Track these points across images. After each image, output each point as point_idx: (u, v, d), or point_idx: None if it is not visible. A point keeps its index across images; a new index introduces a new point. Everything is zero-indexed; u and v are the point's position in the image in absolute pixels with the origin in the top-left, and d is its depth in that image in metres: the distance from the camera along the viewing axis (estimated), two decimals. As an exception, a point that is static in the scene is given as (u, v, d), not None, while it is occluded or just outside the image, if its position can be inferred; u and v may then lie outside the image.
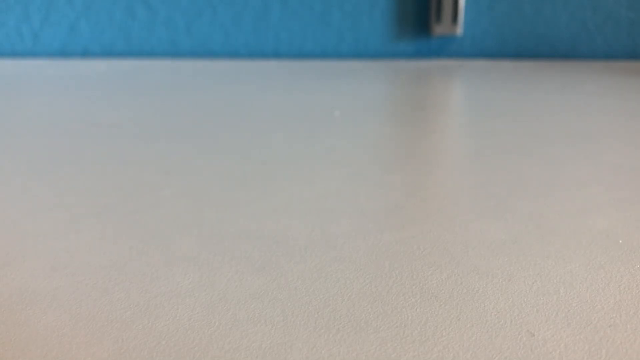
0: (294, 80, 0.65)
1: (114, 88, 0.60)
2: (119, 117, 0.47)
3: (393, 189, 0.31)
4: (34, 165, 0.35)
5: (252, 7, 0.80)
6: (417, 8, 0.83)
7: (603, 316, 0.19)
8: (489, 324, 0.19)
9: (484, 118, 0.48)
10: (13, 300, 0.20)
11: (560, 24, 0.82)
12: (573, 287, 0.21)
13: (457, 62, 0.78)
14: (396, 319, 0.19)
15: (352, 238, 0.25)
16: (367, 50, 0.84)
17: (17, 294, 0.21)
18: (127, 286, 0.21)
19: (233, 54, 0.81)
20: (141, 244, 0.24)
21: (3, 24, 0.80)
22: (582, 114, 0.49)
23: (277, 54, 0.82)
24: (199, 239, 0.25)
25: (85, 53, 0.81)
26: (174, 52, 0.81)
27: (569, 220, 0.27)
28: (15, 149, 0.39)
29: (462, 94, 0.62)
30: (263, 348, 0.18)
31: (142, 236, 0.25)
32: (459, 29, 0.81)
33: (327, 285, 0.21)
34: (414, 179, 0.33)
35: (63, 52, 0.81)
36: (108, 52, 0.81)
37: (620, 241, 0.25)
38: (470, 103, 0.57)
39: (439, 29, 0.81)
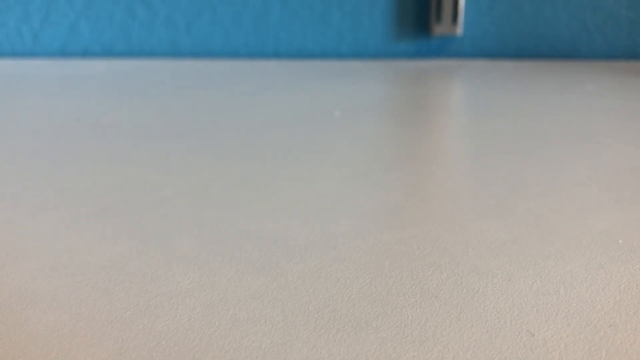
0: (294, 80, 0.65)
1: (114, 88, 0.60)
2: (119, 117, 0.47)
3: (393, 189, 0.31)
4: (34, 165, 0.35)
5: (252, 7, 0.80)
6: (417, 8, 0.83)
7: (603, 316, 0.19)
8: (489, 324, 0.19)
9: (484, 118, 0.48)
10: (13, 300, 0.20)
11: (560, 24, 0.82)
12: (573, 287, 0.21)
13: (457, 62, 0.78)
14: (396, 319, 0.19)
15: (352, 238, 0.25)
16: (367, 50, 0.84)
17: (17, 294, 0.21)
18: (127, 286, 0.21)
19: (233, 54, 0.81)
20: (141, 244, 0.24)
21: (3, 24, 0.80)
22: (582, 114, 0.49)
23: (277, 54, 0.82)
24: (199, 239, 0.25)
25: (85, 53, 0.81)
26: (174, 52, 0.81)
27: (569, 220, 0.27)
28: (15, 149, 0.39)
29: (462, 94, 0.62)
30: (263, 348, 0.18)
31: (142, 236, 0.25)
32: (459, 29, 0.81)
33: (327, 285, 0.21)
34: (414, 179, 0.33)
35: (63, 52, 0.81)
36: (108, 52, 0.81)
37: (620, 241, 0.25)
38: (470, 103, 0.57)
39: (439, 29, 0.81)
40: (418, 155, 0.39)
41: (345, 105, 0.52)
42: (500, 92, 0.59)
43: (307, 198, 0.30)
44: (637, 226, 0.26)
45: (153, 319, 0.19)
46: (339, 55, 0.83)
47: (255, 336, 0.18)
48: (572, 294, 0.21)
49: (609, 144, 0.40)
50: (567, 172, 0.34)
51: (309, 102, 0.53)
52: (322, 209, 0.28)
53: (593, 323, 0.19)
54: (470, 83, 0.66)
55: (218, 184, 0.32)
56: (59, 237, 0.25)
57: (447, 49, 0.84)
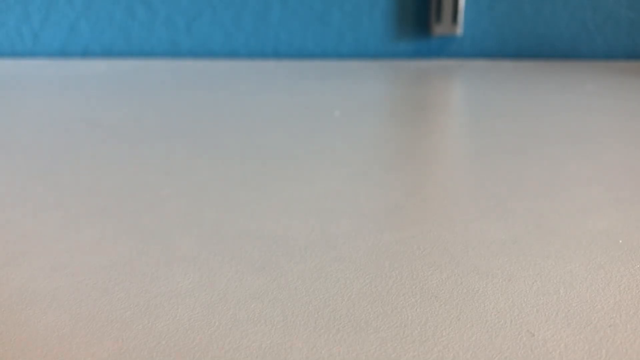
0: (294, 80, 0.65)
1: (114, 88, 0.60)
2: (119, 117, 0.47)
3: (393, 189, 0.31)
4: (34, 165, 0.35)
5: (252, 7, 0.80)
6: (417, 8, 0.83)
7: (603, 316, 0.19)
8: (489, 324, 0.19)
9: (484, 118, 0.48)
10: (13, 300, 0.20)
11: (560, 24, 0.82)
12: (573, 287, 0.21)
13: (457, 62, 0.78)
14: (396, 319, 0.19)
15: (352, 238, 0.25)
16: (367, 50, 0.84)
17: (17, 294, 0.21)
18: (127, 286, 0.21)
19: (233, 54, 0.81)
20: (141, 244, 0.24)
21: (3, 24, 0.80)
22: (582, 114, 0.49)
23: (277, 54, 0.82)
24: (199, 239, 0.25)
25: (85, 53, 0.81)
26: (174, 52, 0.81)
27: (569, 220, 0.27)
28: (15, 149, 0.39)
29: (462, 94, 0.62)
30: (263, 348, 0.18)
31: (142, 236, 0.25)
32: (459, 29, 0.81)
33: (327, 285, 0.21)
34: (414, 179, 0.33)
35: (63, 52, 0.81)
36: (108, 52, 0.81)
37: (620, 241, 0.25)
38: (470, 103, 0.57)
39: (439, 29, 0.81)
40: (418, 155, 0.39)
41: (345, 105, 0.52)
42: (500, 92, 0.59)
43: (307, 198, 0.30)
44: (637, 226, 0.26)
45: (153, 319, 0.19)
46: (339, 55, 0.83)
47: (255, 336, 0.18)
48: (572, 294, 0.21)
49: (609, 144, 0.40)
50: (567, 172, 0.34)
51: (309, 102, 0.53)
52: (322, 209, 0.28)
53: (593, 323, 0.19)
54: (470, 83, 0.66)
55: (218, 183, 0.32)
56: (59, 237, 0.25)
57: (447, 49, 0.84)
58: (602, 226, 0.26)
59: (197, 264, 0.23)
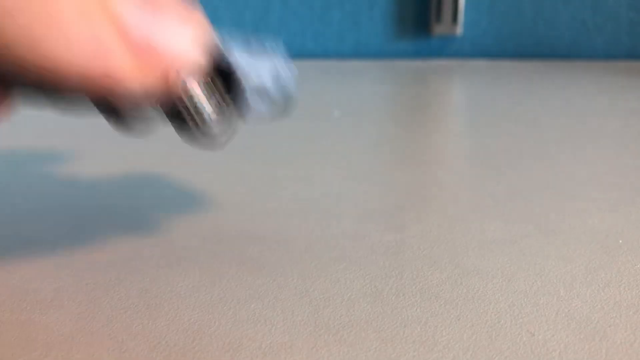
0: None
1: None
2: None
3: (393, 188, 0.31)
4: (34, 164, 0.35)
5: (252, 7, 0.80)
6: (417, 8, 0.83)
7: (603, 316, 0.19)
8: (489, 324, 0.19)
9: (484, 118, 0.48)
10: (14, 300, 0.20)
11: (560, 24, 0.82)
12: (573, 287, 0.21)
13: (457, 62, 0.78)
14: (396, 319, 0.19)
15: (352, 238, 0.25)
16: (367, 50, 0.84)
17: (17, 294, 0.21)
18: (128, 286, 0.21)
19: (233, 54, 0.81)
20: (141, 244, 0.24)
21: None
22: (582, 114, 0.49)
23: (277, 54, 0.82)
24: (199, 239, 0.25)
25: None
26: (174, 52, 0.81)
27: (569, 220, 0.27)
28: (16, 151, 0.39)
29: (462, 94, 0.62)
30: (263, 348, 0.18)
31: (142, 236, 0.25)
32: (459, 29, 0.81)
33: (327, 285, 0.21)
34: (414, 179, 0.33)
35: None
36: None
37: (620, 241, 0.25)
38: (470, 103, 0.57)
39: (439, 29, 0.81)
40: (418, 155, 0.39)
41: (345, 105, 0.52)
42: (500, 92, 0.59)
43: (307, 198, 0.30)
44: (637, 226, 0.26)
45: (153, 319, 0.19)
46: (339, 55, 0.83)
47: (255, 336, 0.18)
48: (572, 294, 0.21)
49: (609, 144, 0.40)
50: (567, 172, 0.34)
51: (309, 102, 0.53)
52: (322, 209, 0.28)
53: (593, 323, 0.19)
54: (470, 83, 0.66)
55: (218, 183, 0.32)
56: (60, 237, 0.25)
57: (447, 49, 0.84)
58: (602, 226, 0.26)
59: (197, 264, 0.23)
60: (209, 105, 0.18)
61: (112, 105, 0.18)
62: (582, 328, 0.18)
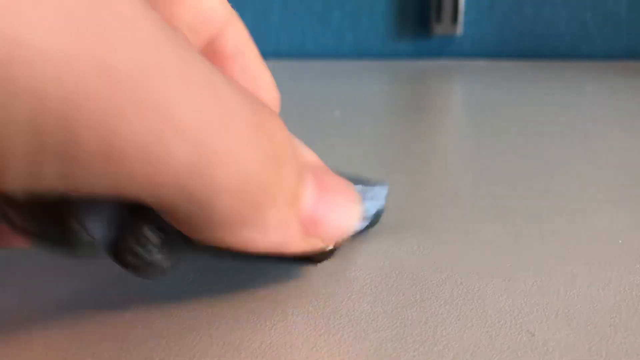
0: (294, 80, 0.65)
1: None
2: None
3: (393, 189, 0.31)
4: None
5: (252, 7, 0.80)
6: (417, 8, 0.83)
7: (603, 316, 0.19)
8: (489, 324, 0.19)
9: (484, 118, 0.48)
10: (14, 300, 0.20)
11: (560, 24, 0.82)
12: (573, 287, 0.21)
13: (457, 62, 0.78)
14: (396, 319, 0.19)
15: (352, 238, 0.25)
16: (367, 50, 0.84)
17: (18, 294, 0.21)
18: (128, 286, 0.21)
19: (233, 54, 0.81)
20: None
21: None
22: (582, 114, 0.49)
23: (277, 54, 0.82)
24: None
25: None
26: (174, 52, 0.81)
27: (569, 220, 0.27)
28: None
29: (462, 94, 0.62)
30: (263, 348, 0.18)
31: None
32: (459, 29, 0.81)
33: (327, 285, 0.21)
34: (414, 179, 0.33)
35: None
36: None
37: (620, 241, 0.25)
38: (470, 103, 0.57)
39: (439, 29, 0.81)
40: (418, 154, 0.39)
41: (345, 105, 0.52)
42: (500, 92, 0.59)
43: (307, 198, 0.30)
44: (637, 226, 0.26)
45: (153, 319, 0.19)
46: (339, 55, 0.83)
47: (255, 336, 0.18)
48: (572, 294, 0.21)
49: (609, 143, 0.40)
50: (567, 172, 0.34)
51: (309, 102, 0.53)
52: (322, 209, 0.28)
53: (593, 323, 0.19)
54: (470, 83, 0.66)
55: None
56: (59, 237, 0.25)
57: (447, 49, 0.84)
58: (602, 226, 0.26)
59: (198, 264, 0.23)
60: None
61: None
62: (582, 328, 0.18)
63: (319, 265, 0.22)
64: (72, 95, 0.10)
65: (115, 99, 0.11)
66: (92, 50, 0.10)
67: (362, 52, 0.84)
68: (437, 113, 0.52)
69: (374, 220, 0.25)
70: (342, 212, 0.19)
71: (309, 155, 0.19)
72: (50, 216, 0.15)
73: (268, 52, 0.82)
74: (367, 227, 0.24)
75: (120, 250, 0.16)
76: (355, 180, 0.24)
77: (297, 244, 0.17)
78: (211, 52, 0.22)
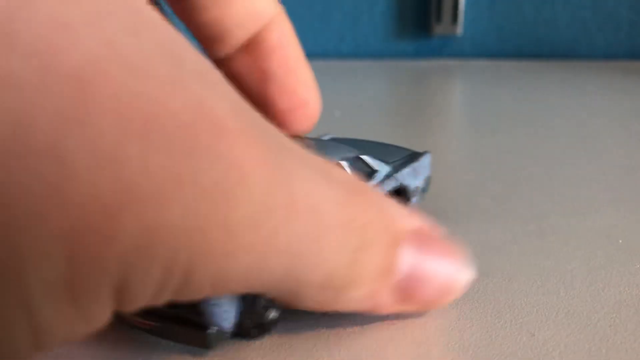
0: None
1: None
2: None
3: (393, 189, 0.31)
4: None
5: (252, 7, 0.80)
6: (417, 8, 0.83)
7: (603, 316, 0.19)
8: (489, 324, 0.19)
9: (484, 118, 0.48)
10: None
11: (560, 24, 0.82)
12: (573, 287, 0.21)
13: (457, 62, 0.78)
14: (396, 319, 0.19)
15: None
16: (367, 50, 0.84)
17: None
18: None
19: (233, 54, 0.81)
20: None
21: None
22: (582, 114, 0.49)
23: (277, 54, 0.82)
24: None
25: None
26: (174, 52, 0.81)
27: (569, 220, 0.27)
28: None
29: (462, 94, 0.62)
30: (263, 348, 0.18)
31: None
32: (459, 29, 0.81)
33: (327, 285, 0.21)
34: (414, 179, 0.33)
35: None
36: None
37: (620, 241, 0.25)
38: (470, 103, 0.57)
39: (439, 29, 0.81)
40: (418, 155, 0.39)
41: (345, 105, 0.52)
42: (500, 92, 0.59)
43: (307, 198, 0.30)
44: (637, 226, 0.26)
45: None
46: (339, 55, 0.83)
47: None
48: (572, 294, 0.21)
49: (608, 144, 0.40)
50: (567, 172, 0.34)
51: (309, 102, 0.53)
52: (322, 209, 0.28)
53: (593, 323, 0.19)
54: (470, 83, 0.66)
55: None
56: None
57: (447, 49, 0.84)
58: (602, 226, 0.26)
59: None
60: None
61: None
62: (582, 328, 0.18)
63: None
64: (197, 257, 0.12)
65: (229, 246, 0.13)
66: (217, 212, 0.12)
67: (362, 52, 0.84)
68: (437, 113, 0.52)
69: (426, 187, 0.27)
70: (444, 275, 0.18)
71: (409, 219, 0.18)
72: (178, 320, 0.17)
73: (268, 52, 0.82)
74: (421, 196, 0.26)
75: (246, 329, 0.17)
76: (403, 159, 0.26)
77: (389, 309, 0.18)
78: (254, 44, 0.22)
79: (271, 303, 0.18)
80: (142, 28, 0.12)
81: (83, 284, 0.11)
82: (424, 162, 0.27)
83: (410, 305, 0.18)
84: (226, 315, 0.17)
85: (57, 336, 0.11)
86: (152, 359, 0.17)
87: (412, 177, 0.25)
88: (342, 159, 0.22)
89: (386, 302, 0.17)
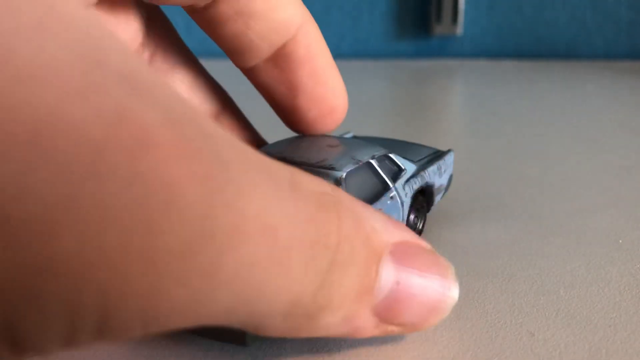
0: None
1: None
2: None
3: (393, 189, 0.31)
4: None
5: (252, 7, 0.80)
6: (417, 8, 0.83)
7: (603, 316, 0.19)
8: (489, 324, 0.19)
9: (484, 118, 0.48)
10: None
11: (560, 24, 0.82)
12: (573, 287, 0.21)
13: (457, 62, 0.78)
14: (396, 319, 0.19)
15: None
16: (367, 50, 0.84)
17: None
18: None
19: (233, 54, 0.81)
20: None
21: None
22: (582, 114, 0.49)
23: (277, 54, 0.82)
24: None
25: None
26: (174, 52, 0.81)
27: (569, 220, 0.27)
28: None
29: (462, 94, 0.62)
30: (263, 348, 0.18)
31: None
32: (459, 29, 0.81)
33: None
34: (414, 179, 0.33)
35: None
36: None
37: (620, 241, 0.25)
38: (470, 103, 0.57)
39: (439, 29, 0.81)
40: (418, 155, 0.39)
41: (345, 105, 0.52)
42: (500, 92, 0.59)
43: (307, 198, 0.30)
44: (637, 226, 0.26)
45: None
46: (339, 55, 0.83)
47: (255, 336, 0.18)
48: (572, 294, 0.21)
49: (609, 144, 0.40)
50: (567, 172, 0.34)
51: (309, 102, 0.53)
52: (322, 209, 0.28)
53: (593, 323, 0.19)
54: (470, 83, 0.66)
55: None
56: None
57: (447, 49, 0.84)
58: (602, 226, 0.26)
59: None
60: None
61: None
62: (582, 328, 0.19)
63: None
64: (112, 295, 0.11)
65: (154, 279, 0.11)
66: (132, 241, 0.11)
67: (362, 52, 0.84)
68: (437, 113, 0.52)
69: (448, 186, 0.27)
70: (431, 292, 0.16)
71: (390, 231, 0.16)
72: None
73: (268, 52, 0.82)
74: (444, 194, 0.27)
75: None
76: (428, 157, 0.26)
77: (370, 333, 0.16)
78: (282, 56, 0.22)
79: None
80: (50, 26, 0.11)
81: None
82: (448, 160, 0.27)
83: (393, 328, 0.16)
84: None
85: None
86: (157, 355, 0.17)
87: (437, 175, 0.25)
88: (372, 157, 0.22)
89: (366, 326, 0.15)
